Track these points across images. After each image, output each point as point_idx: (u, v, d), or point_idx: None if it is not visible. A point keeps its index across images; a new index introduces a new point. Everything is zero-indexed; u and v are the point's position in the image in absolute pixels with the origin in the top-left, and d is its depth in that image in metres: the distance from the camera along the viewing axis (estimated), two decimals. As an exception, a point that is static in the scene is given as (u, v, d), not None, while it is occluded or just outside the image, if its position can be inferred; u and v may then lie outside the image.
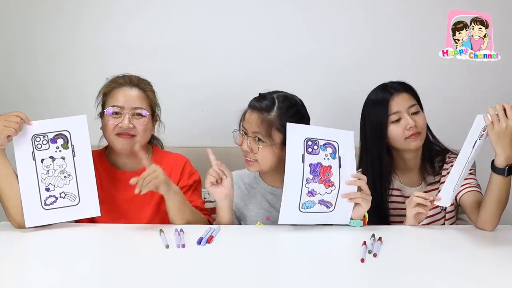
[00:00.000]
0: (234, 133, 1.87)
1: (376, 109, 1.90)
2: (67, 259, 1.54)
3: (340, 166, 1.71)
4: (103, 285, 1.37)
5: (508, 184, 1.68)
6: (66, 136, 1.72)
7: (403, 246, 1.65)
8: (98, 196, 1.77)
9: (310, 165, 1.70)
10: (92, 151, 1.79)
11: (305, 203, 1.71)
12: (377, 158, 1.91)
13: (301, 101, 1.87)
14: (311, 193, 1.71)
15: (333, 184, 1.71)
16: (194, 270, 1.45)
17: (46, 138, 1.70)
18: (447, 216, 1.95)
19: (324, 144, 1.70)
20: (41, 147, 1.70)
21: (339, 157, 1.71)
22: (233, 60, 2.44)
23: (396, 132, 1.88)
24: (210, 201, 2.28)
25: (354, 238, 1.65)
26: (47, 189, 1.72)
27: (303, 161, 1.69)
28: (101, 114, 1.89)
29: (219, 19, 2.43)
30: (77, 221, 1.82)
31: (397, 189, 1.97)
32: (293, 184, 1.69)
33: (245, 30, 2.43)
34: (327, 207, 1.73)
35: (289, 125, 1.68)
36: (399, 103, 1.88)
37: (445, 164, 1.94)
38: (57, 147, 1.72)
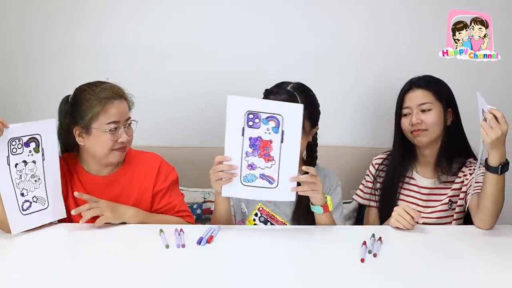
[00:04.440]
0: None
1: (397, 99, 2.03)
2: (67, 259, 1.54)
3: (282, 141, 1.67)
4: (103, 285, 1.37)
5: (502, 182, 1.72)
6: (37, 140, 1.71)
7: (403, 246, 1.65)
8: (73, 202, 1.80)
9: (250, 138, 1.68)
10: (65, 156, 1.83)
11: (246, 176, 1.71)
12: (396, 146, 2.05)
13: (306, 85, 1.91)
14: (251, 166, 1.70)
15: (272, 159, 1.69)
16: (194, 270, 1.45)
17: (21, 142, 1.68)
18: (456, 216, 1.97)
19: (267, 118, 1.66)
20: (16, 151, 1.67)
21: (282, 131, 1.67)
22: (233, 59, 2.44)
23: (404, 125, 2.00)
24: (211, 201, 2.28)
25: (354, 238, 1.64)
26: (22, 194, 1.70)
27: (242, 135, 1.68)
28: (82, 128, 1.82)
29: (218, 19, 2.42)
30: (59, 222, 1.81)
31: (412, 178, 2.05)
32: (233, 157, 1.69)
33: (245, 30, 2.43)
34: (270, 182, 1.71)
35: (230, 97, 1.67)
36: (411, 99, 1.98)
37: (464, 167, 1.98)
38: (30, 151, 1.70)
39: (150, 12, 2.42)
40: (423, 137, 1.96)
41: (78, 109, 1.82)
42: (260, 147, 1.68)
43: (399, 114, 2.02)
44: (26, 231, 1.71)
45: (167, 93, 2.46)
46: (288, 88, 1.85)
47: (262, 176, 1.70)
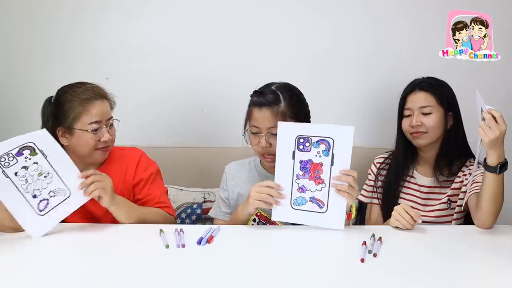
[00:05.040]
0: (244, 136, 1.89)
1: (400, 100, 2.04)
2: (67, 259, 1.54)
3: (332, 164, 1.69)
4: (103, 285, 1.37)
5: (501, 182, 1.73)
6: (31, 146, 1.67)
7: (403, 246, 1.65)
8: None
9: (301, 161, 1.70)
10: None
11: (296, 199, 1.72)
12: (399, 145, 2.07)
13: (292, 85, 1.91)
14: (302, 189, 1.71)
15: (323, 182, 1.70)
16: (194, 270, 1.45)
17: (10, 156, 1.64)
18: (456, 216, 1.97)
19: (318, 141, 1.68)
20: (9, 165, 1.64)
21: (333, 155, 1.68)
22: (233, 60, 2.44)
23: (404, 126, 2.02)
24: (211, 201, 2.28)
25: (354, 238, 1.64)
26: (34, 196, 1.68)
27: (293, 158, 1.70)
28: (65, 129, 1.84)
29: (218, 19, 2.42)
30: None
31: (412, 176, 2.07)
32: (284, 180, 1.71)
33: (245, 31, 2.43)
34: (319, 206, 1.72)
35: (280, 124, 1.69)
36: (413, 101, 1.99)
37: (464, 167, 1.99)
38: (26, 157, 1.66)
39: (149, 12, 2.43)
40: (423, 139, 1.97)
41: (60, 110, 1.84)
42: (310, 169, 1.70)
43: (401, 114, 2.03)
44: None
45: (166, 92, 2.46)
46: (273, 87, 1.86)
47: (312, 199, 1.72)
